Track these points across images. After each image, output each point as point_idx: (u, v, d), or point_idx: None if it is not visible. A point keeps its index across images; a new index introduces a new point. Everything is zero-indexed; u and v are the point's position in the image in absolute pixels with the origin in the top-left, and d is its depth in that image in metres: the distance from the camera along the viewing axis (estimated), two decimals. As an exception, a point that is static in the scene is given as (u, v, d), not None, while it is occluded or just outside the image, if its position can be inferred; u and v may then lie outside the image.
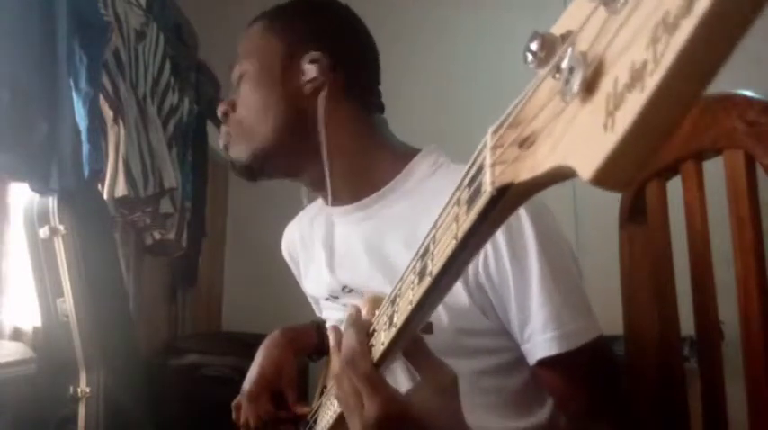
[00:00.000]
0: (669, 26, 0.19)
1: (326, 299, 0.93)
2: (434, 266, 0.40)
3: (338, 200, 0.87)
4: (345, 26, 0.88)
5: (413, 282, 0.44)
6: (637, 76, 0.20)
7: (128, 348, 1.60)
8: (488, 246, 0.72)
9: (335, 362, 0.55)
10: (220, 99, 2.80)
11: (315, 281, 0.96)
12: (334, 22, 0.88)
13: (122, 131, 1.69)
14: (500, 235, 0.72)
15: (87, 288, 1.37)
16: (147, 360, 1.97)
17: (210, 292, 2.71)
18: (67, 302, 1.35)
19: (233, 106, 0.87)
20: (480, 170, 0.33)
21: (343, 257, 0.88)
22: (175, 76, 2.11)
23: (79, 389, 1.35)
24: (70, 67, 1.43)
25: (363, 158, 0.84)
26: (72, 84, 1.45)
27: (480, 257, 0.73)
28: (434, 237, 0.41)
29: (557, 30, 0.27)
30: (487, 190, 0.31)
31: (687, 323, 0.74)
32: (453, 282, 0.43)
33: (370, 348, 0.51)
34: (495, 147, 0.31)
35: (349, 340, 0.52)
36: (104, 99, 1.66)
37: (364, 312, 0.76)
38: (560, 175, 0.25)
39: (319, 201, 0.98)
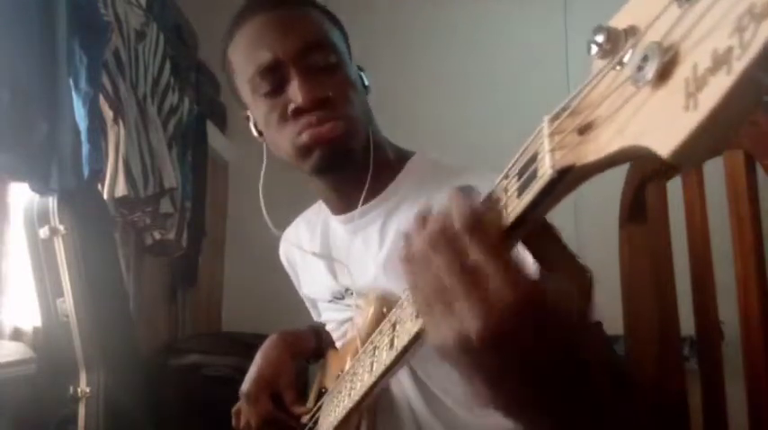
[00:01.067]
0: (756, 15, 0.20)
1: (330, 301, 0.93)
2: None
3: (341, 208, 0.87)
4: None
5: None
6: (721, 61, 0.21)
7: (128, 348, 1.59)
8: None
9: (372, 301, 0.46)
10: (220, 99, 2.80)
11: (316, 284, 0.96)
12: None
13: (122, 131, 1.69)
14: None
15: (87, 288, 1.37)
16: (147, 360, 1.97)
17: (210, 292, 2.71)
18: (67, 302, 1.35)
19: (330, 91, 0.77)
20: (533, 159, 0.34)
21: (347, 262, 0.88)
22: (175, 76, 2.11)
23: (79, 389, 1.35)
24: (70, 67, 1.43)
25: (375, 161, 0.83)
26: (72, 84, 1.45)
27: None
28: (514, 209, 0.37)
29: (618, 23, 0.28)
30: (548, 173, 0.32)
31: (687, 323, 0.74)
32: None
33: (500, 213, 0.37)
34: (553, 134, 0.33)
35: (468, 204, 0.37)
36: (104, 99, 1.66)
37: (370, 313, 0.76)
38: (626, 157, 0.28)
39: (315, 207, 0.98)
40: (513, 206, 0.35)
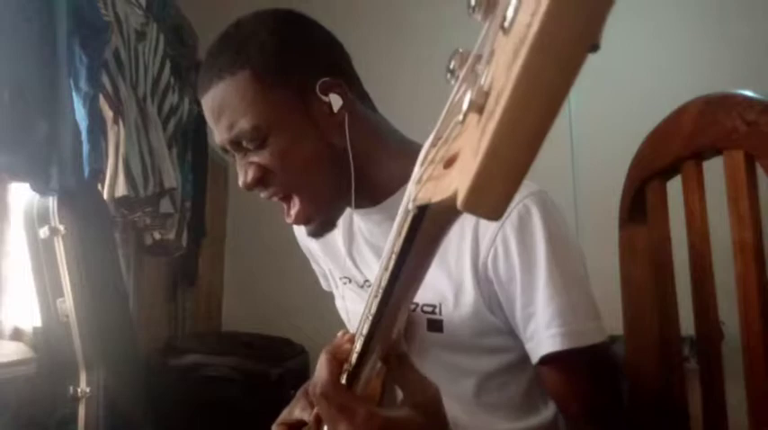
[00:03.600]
0: (515, 53, 0.18)
1: (341, 278, 0.93)
2: (384, 280, 0.39)
3: (359, 204, 0.86)
4: (322, 39, 0.81)
5: (375, 294, 0.43)
6: (498, 97, 0.19)
7: (128, 348, 1.60)
8: (498, 242, 0.73)
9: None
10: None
11: (331, 260, 0.96)
12: (314, 40, 0.80)
13: (122, 131, 1.69)
14: (510, 232, 0.72)
15: (87, 288, 1.37)
16: (147, 360, 1.97)
17: (210, 292, 2.71)
18: (67, 302, 1.35)
19: (264, 170, 0.76)
20: (416, 184, 0.32)
21: (366, 255, 0.88)
22: (175, 76, 2.11)
23: (79, 389, 1.35)
24: (70, 67, 1.43)
25: (383, 161, 0.81)
26: (72, 84, 1.45)
27: (490, 253, 0.73)
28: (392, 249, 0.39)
29: (478, 46, 0.25)
30: (411, 207, 0.30)
31: (687, 323, 0.74)
32: (406, 294, 0.42)
33: (341, 372, 0.52)
34: (427, 163, 0.30)
35: (320, 371, 0.52)
36: (104, 99, 1.66)
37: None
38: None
39: None
40: (358, 343, 0.48)
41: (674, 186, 0.77)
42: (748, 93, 0.64)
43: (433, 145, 0.30)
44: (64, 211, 1.36)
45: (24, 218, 1.39)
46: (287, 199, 0.79)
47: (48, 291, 1.37)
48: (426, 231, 0.32)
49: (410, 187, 0.34)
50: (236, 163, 0.79)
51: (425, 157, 0.31)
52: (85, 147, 1.48)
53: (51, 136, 1.30)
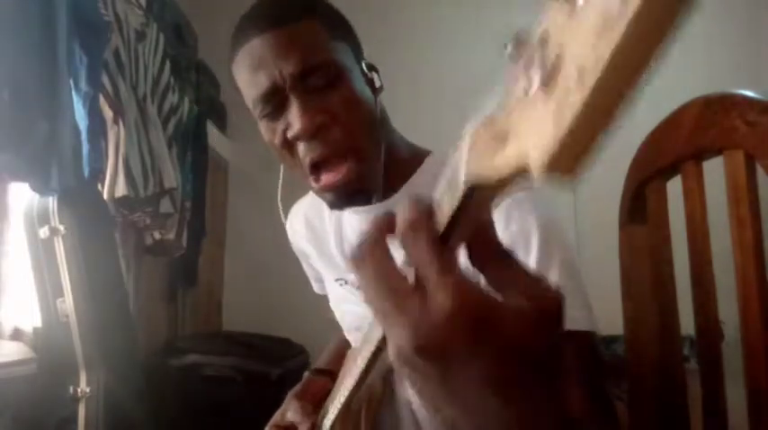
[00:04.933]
0: (607, 28, 0.20)
1: (336, 280, 0.93)
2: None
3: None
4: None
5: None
6: (581, 73, 0.21)
7: (128, 348, 1.60)
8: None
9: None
10: (220, 99, 2.80)
11: (324, 263, 0.96)
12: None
13: (122, 131, 1.69)
14: (503, 219, 0.71)
15: (87, 288, 1.37)
16: (147, 360, 1.97)
17: (210, 292, 2.71)
18: (67, 302, 1.35)
19: (332, 116, 0.73)
20: (457, 167, 0.32)
21: None
22: (175, 76, 2.11)
23: (79, 389, 1.35)
24: (70, 67, 1.43)
25: (392, 162, 0.82)
26: (72, 84, 1.45)
27: None
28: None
29: (535, 29, 0.27)
30: (461, 183, 0.31)
31: (687, 323, 0.74)
32: None
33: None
34: (472, 144, 0.31)
35: (406, 211, 0.35)
36: (104, 99, 1.66)
37: None
38: (520, 173, 0.26)
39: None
40: (446, 208, 0.34)
41: (674, 186, 0.77)
42: (748, 93, 0.64)
43: (473, 128, 0.32)
44: (64, 211, 1.36)
45: (24, 218, 1.39)
46: (337, 159, 0.74)
47: (48, 290, 1.37)
48: (474, 211, 0.33)
49: (450, 170, 0.34)
50: (284, 114, 0.73)
51: (468, 139, 0.32)
52: (85, 147, 1.48)
53: (51, 136, 1.30)
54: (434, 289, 0.32)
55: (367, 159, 0.76)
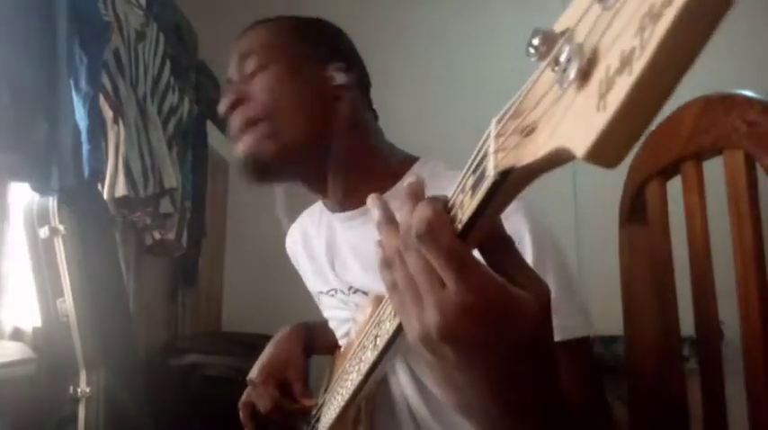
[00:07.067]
0: (654, 15, 0.21)
1: (331, 295, 0.93)
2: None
3: (342, 205, 0.88)
4: (354, 49, 0.92)
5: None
6: (626, 62, 0.22)
7: (128, 348, 1.60)
8: None
9: (388, 242, 0.41)
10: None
11: (317, 277, 0.97)
12: (350, 44, 0.92)
13: (122, 131, 1.69)
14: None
15: (87, 288, 1.37)
16: (147, 360, 1.97)
17: (210, 292, 2.71)
18: (67, 302, 1.35)
19: (244, 96, 0.82)
20: (484, 157, 0.34)
21: (348, 260, 0.88)
22: (175, 76, 2.11)
23: (79, 389, 1.35)
24: (70, 67, 1.43)
25: (371, 166, 0.85)
26: (72, 84, 1.45)
27: None
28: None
29: (557, 27, 0.29)
30: (491, 174, 0.33)
31: (687, 323, 0.74)
32: None
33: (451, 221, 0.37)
34: (498, 136, 0.33)
35: (423, 210, 0.37)
36: (104, 99, 1.66)
37: (368, 312, 0.76)
38: (559, 158, 0.28)
39: (321, 202, 0.99)
40: (467, 206, 0.36)
41: (674, 186, 0.77)
42: (748, 93, 0.64)
43: (498, 121, 0.34)
44: (64, 211, 1.37)
45: (24, 218, 1.39)
46: (244, 132, 0.82)
47: (48, 290, 1.37)
48: (502, 198, 0.34)
49: (471, 168, 0.36)
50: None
51: (496, 131, 0.34)
52: (85, 148, 1.48)
53: (51, 136, 1.30)
54: (455, 284, 0.35)
55: (277, 137, 0.81)
